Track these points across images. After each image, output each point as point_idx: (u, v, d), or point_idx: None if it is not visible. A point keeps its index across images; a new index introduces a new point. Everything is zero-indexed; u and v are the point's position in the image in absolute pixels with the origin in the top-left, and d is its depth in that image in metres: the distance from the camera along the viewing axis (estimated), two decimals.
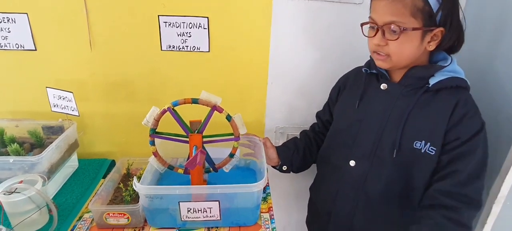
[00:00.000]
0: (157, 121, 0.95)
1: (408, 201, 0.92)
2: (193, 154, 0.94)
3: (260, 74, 1.22)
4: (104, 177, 1.18)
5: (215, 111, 0.94)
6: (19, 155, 0.98)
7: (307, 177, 1.36)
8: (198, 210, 0.93)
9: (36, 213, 0.88)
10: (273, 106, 1.28)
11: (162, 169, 1.03)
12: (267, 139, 1.14)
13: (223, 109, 0.94)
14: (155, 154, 1.01)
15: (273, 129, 1.33)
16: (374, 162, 0.93)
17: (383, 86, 0.93)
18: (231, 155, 1.03)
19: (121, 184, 1.02)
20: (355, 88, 1.01)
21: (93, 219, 0.97)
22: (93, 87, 1.20)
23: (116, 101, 1.23)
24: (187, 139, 0.99)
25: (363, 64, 1.04)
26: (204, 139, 0.98)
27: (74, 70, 1.17)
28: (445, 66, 0.85)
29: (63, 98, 1.08)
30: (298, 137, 1.19)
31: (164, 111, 0.93)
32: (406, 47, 0.82)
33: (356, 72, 1.06)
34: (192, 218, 0.95)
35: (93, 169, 1.20)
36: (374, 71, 0.96)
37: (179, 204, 0.92)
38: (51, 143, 1.12)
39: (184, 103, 0.92)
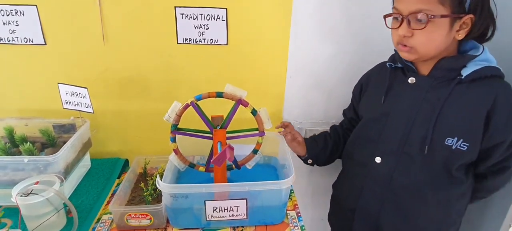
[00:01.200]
0: (179, 116, 0.91)
1: (437, 196, 0.89)
2: (218, 151, 0.90)
3: (279, 67, 1.18)
4: (118, 177, 1.13)
5: (240, 105, 0.90)
6: (33, 155, 0.93)
7: (324, 173, 1.33)
8: (225, 209, 0.89)
9: (54, 216, 0.83)
10: (291, 101, 1.25)
11: (183, 167, 0.99)
12: (297, 133, 1.12)
13: (248, 103, 0.90)
14: (176, 151, 0.96)
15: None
16: (402, 158, 0.90)
17: (411, 80, 0.88)
18: (255, 151, 0.99)
19: (142, 184, 0.97)
20: (380, 83, 0.96)
21: (112, 221, 0.93)
22: (106, 83, 1.15)
23: (130, 98, 1.18)
24: (210, 135, 0.95)
25: (381, 58, 1.01)
26: (228, 135, 0.94)
27: (86, 65, 1.12)
28: (477, 55, 0.81)
29: (77, 95, 1.02)
30: (328, 131, 1.16)
31: (187, 106, 0.89)
32: (434, 36, 0.78)
33: (380, 67, 1.02)
34: (218, 217, 0.91)
35: (106, 168, 1.14)
36: (399, 65, 0.93)
37: (204, 203, 0.88)
38: (63, 142, 1.07)
39: (208, 97, 0.88)
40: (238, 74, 1.17)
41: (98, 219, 0.93)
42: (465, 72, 0.81)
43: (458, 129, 0.82)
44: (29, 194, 0.81)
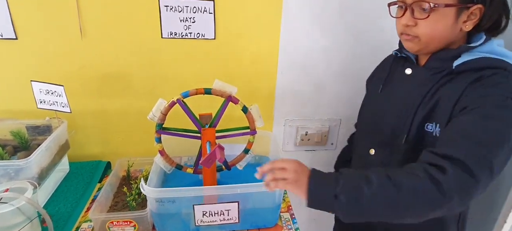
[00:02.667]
0: (164, 115, 0.85)
1: None
2: (207, 151, 0.84)
3: (269, 63, 1.14)
4: (99, 181, 1.06)
5: (230, 102, 0.85)
6: (2, 159, 0.84)
7: None
8: (215, 213, 0.84)
9: (27, 226, 0.76)
10: (283, 97, 1.20)
11: (169, 169, 0.93)
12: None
13: (238, 100, 0.85)
14: (162, 152, 0.90)
15: (282, 122, 1.25)
16: (394, 150, 0.86)
17: (408, 70, 0.85)
18: (246, 151, 0.94)
19: (125, 188, 0.91)
20: (382, 73, 0.94)
21: (92, 229, 0.86)
22: (84, 80, 1.07)
23: (111, 96, 1.10)
24: (198, 135, 0.90)
25: (376, 52, 0.98)
26: (217, 134, 0.89)
27: (62, 61, 1.03)
28: (475, 46, 0.77)
29: (52, 93, 0.95)
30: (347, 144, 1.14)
31: (172, 104, 0.83)
32: (438, 27, 0.74)
33: (389, 56, 0.98)
34: (208, 222, 0.85)
35: (86, 172, 1.07)
36: (404, 55, 0.89)
37: (193, 208, 0.82)
38: (38, 144, 0.99)
39: (196, 94, 0.82)
40: (227, 70, 1.12)
41: (77, 228, 0.86)
42: (456, 62, 0.76)
43: (436, 113, 0.77)
44: None
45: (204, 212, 0.83)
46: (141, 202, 0.90)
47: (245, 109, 0.86)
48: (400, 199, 0.62)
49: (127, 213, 0.82)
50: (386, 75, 0.91)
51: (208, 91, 0.82)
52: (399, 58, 0.90)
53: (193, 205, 0.82)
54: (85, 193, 0.98)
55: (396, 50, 0.91)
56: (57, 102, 0.96)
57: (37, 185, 0.82)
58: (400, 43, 0.89)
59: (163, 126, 0.87)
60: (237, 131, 0.91)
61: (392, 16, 0.82)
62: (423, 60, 0.84)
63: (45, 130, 1.02)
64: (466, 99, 0.70)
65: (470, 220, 0.93)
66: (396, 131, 0.83)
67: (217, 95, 0.83)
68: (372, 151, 0.90)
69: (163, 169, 0.94)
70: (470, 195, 0.63)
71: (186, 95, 0.82)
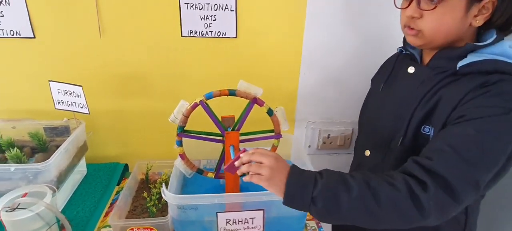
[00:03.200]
0: (186, 117, 0.81)
1: None
2: (231, 156, 0.80)
3: (292, 63, 1.09)
4: (117, 184, 1.03)
5: (255, 105, 0.81)
6: (21, 162, 0.82)
7: None
8: (239, 221, 0.80)
9: None
10: (305, 99, 1.15)
11: (189, 174, 0.89)
12: None
13: (264, 102, 0.81)
14: (183, 156, 0.86)
15: (303, 124, 1.20)
16: (387, 153, 0.80)
17: (411, 69, 0.79)
18: None
19: (145, 193, 0.87)
20: (385, 71, 0.89)
21: None
22: (102, 80, 1.04)
23: (129, 97, 1.07)
24: (220, 138, 0.86)
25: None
26: (241, 137, 0.85)
27: (80, 61, 1.01)
28: (483, 45, 0.69)
29: (70, 94, 0.92)
30: None
31: (195, 106, 0.79)
32: (445, 20, 0.67)
33: (393, 54, 0.93)
34: (231, 230, 0.81)
35: (104, 174, 1.04)
36: (408, 52, 0.83)
37: (216, 215, 0.78)
38: (56, 146, 0.97)
39: (220, 95, 0.78)
40: (248, 70, 1.07)
41: None
42: (461, 63, 0.69)
43: (433, 116, 0.71)
44: (16, 208, 0.71)
45: (228, 220, 0.79)
46: (161, 207, 0.87)
47: (270, 112, 0.82)
48: (377, 211, 0.60)
49: (148, 220, 0.78)
50: (389, 73, 0.86)
51: (232, 93, 0.78)
52: (405, 56, 0.84)
53: (217, 213, 0.78)
54: (103, 197, 0.95)
55: (400, 47, 0.85)
56: (75, 103, 0.93)
57: (56, 189, 0.80)
58: (404, 40, 0.83)
59: (185, 128, 0.83)
60: (262, 135, 0.87)
61: (396, 7, 0.76)
62: (427, 59, 0.78)
63: (63, 131, 1.00)
64: (465, 107, 0.65)
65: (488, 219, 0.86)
66: (392, 132, 0.78)
67: (241, 97, 0.79)
68: (367, 152, 0.86)
69: (183, 173, 0.90)
70: (448, 215, 0.61)
71: (209, 96, 0.78)
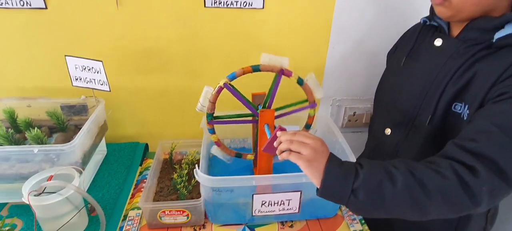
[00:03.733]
0: (213, 103, 0.75)
1: None
2: (267, 135, 0.76)
3: (321, 36, 1.03)
4: (139, 164, 0.99)
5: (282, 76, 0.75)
6: (42, 143, 0.77)
7: None
8: (275, 203, 0.77)
9: (76, 216, 0.69)
10: (332, 74, 1.10)
11: (228, 159, 0.85)
12: None
13: (291, 72, 0.74)
14: (218, 143, 0.82)
15: (329, 101, 1.15)
16: (411, 131, 0.76)
17: (437, 41, 0.73)
18: (308, 126, 0.85)
19: (175, 174, 0.83)
20: (406, 43, 0.83)
21: (141, 217, 0.79)
22: (120, 55, 0.97)
23: (148, 73, 1.01)
24: (251, 118, 0.81)
25: None
26: (276, 112, 0.80)
27: (96, 34, 0.94)
28: None
29: (89, 70, 0.86)
30: None
31: (220, 90, 0.74)
32: None
33: (415, 26, 0.87)
34: (266, 212, 0.78)
35: (125, 155, 1.00)
36: (434, 23, 0.77)
37: (252, 197, 0.74)
38: (74, 125, 0.92)
39: (243, 73, 0.72)
40: (274, 43, 1.01)
41: (124, 216, 0.80)
42: (499, 34, 0.64)
43: (467, 93, 0.66)
44: (42, 192, 0.67)
45: (264, 202, 0.76)
46: (192, 189, 0.83)
47: (300, 81, 0.76)
48: (425, 202, 0.55)
49: (181, 202, 0.75)
50: (411, 46, 0.80)
51: (256, 69, 0.72)
52: (429, 27, 0.78)
53: (253, 195, 0.74)
54: (128, 178, 0.91)
55: (425, 17, 0.79)
56: (94, 80, 0.87)
57: (82, 171, 0.75)
58: (431, 9, 0.76)
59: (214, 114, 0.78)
60: (296, 107, 0.81)
61: None
62: (456, 30, 0.72)
63: (81, 110, 0.95)
64: (506, 83, 0.60)
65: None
66: (418, 109, 0.74)
67: (267, 71, 0.73)
68: (388, 131, 0.82)
69: (207, 153, 0.86)
70: (499, 199, 0.56)
71: (232, 77, 0.73)
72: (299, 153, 0.60)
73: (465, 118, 0.66)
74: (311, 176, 0.59)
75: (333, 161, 0.58)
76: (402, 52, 0.83)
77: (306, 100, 0.81)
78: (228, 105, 0.80)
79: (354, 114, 1.17)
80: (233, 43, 0.99)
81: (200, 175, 0.72)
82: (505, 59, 0.62)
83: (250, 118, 0.82)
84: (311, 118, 0.83)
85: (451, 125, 0.69)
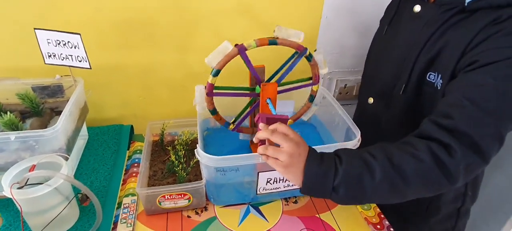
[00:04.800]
0: (225, 63, 0.68)
1: None
2: (271, 110, 0.72)
3: (314, 4, 0.99)
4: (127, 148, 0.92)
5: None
6: (17, 129, 0.68)
7: None
8: (280, 180, 0.74)
9: (66, 208, 0.62)
10: (324, 46, 1.07)
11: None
12: None
13: (306, 49, 0.71)
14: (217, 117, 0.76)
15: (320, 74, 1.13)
16: (390, 101, 0.77)
17: (417, 7, 0.72)
18: (312, 99, 0.82)
19: (173, 156, 0.78)
20: (390, 11, 0.82)
21: (137, 204, 0.74)
22: (98, 28, 0.87)
23: (130, 48, 0.92)
24: (249, 92, 0.77)
25: None
26: (279, 88, 0.76)
27: (70, 4, 0.83)
28: None
29: (65, 44, 0.76)
30: None
31: (235, 54, 0.66)
32: None
33: None
34: (270, 189, 0.75)
35: (110, 138, 0.92)
36: None
37: (258, 175, 0.71)
38: (50, 109, 0.83)
39: (260, 45, 0.67)
40: (264, 12, 0.95)
41: (119, 204, 0.74)
42: None
43: (440, 62, 0.66)
44: (25, 184, 0.59)
45: (269, 179, 0.73)
46: (190, 170, 0.78)
47: (309, 57, 0.73)
48: (404, 188, 0.56)
49: (181, 186, 0.70)
50: (393, 14, 0.79)
51: (273, 43, 0.67)
52: None
53: (258, 173, 0.71)
54: (117, 163, 0.84)
55: None
56: (71, 56, 0.77)
57: (68, 157, 0.68)
58: None
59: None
60: (299, 83, 0.78)
61: None
62: None
63: (56, 91, 0.85)
64: (476, 50, 0.59)
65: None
66: (395, 79, 0.74)
67: (284, 45, 0.69)
68: (371, 100, 0.83)
69: (202, 132, 0.81)
70: (475, 173, 0.58)
71: (250, 46, 0.67)
72: (276, 158, 0.57)
73: (439, 88, 0.65)
74: (291, 179, 0.58)
75: (311, 160, 0.57)
76: (385, 20, 0.82)
77: (310, 78, 0.78)
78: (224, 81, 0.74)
79: (345, 87, 1.16)
80: (224, 13, 0.92)
81: (202, 155, 0.67)
82: (475, 24, 0.60)
83: (248, 92, 0.78)
84: (314, 91, 0.80)
85: (426, 94, 0.69)
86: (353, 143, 0.73)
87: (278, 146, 0.58)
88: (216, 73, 0.69)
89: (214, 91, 0.73)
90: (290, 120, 0.85)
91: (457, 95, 0.58)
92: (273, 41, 0.67)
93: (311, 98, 0.81)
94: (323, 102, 0.94)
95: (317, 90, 0.80)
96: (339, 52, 1.10)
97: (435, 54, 0.65)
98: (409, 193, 0.57)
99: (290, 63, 0.72)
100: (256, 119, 0.66)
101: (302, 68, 0.79)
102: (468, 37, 0.60)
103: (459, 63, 0.60)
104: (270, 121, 0.65)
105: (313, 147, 0.61)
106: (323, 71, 0.77)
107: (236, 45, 0.66)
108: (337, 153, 0.59)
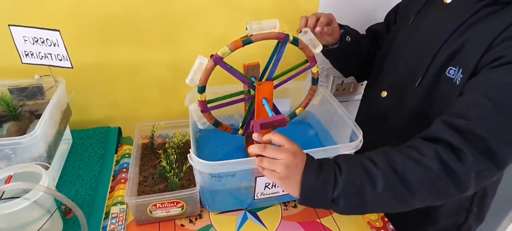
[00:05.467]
0: (205, 79, 0.63)
1: None
2: (268, 112, 0.68)
3: None
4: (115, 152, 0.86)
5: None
6: None
7: None
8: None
9: (48, 222, 0.57)
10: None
11: (203, 124, 0.74)
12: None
13: (287, 35, 0.65)
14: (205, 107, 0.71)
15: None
16: (403, 94, 0.73)
17: None
18: (315, 81, 0.76)
19: (164, 161, 0.73)
20: (417, 2, 0.77)
21: (126, 213, 0.69)
22: (79, 24, 0.81)
23: (115, 45, 0.86)
24: (243, 95, 0.72)
25: None
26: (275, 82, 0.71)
27: None
28: None
29: (43, 42, 0.70)
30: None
31: (217, 60, 0.62)
32: None
33: None
34: (269, 194, 0.71)
35: (95, 142, 0.86)
36: None
37: (255, 180, 0.67)
38: (30, 112, 0.77)
39: (234, 49, 0.61)
40: (259, 5, 0.90)
41: (107, 213, 0.68)
42: None
43: (462, 56, 0.61)
44: (0, 197, 0.53)
45: (267, 184, 0.69)
46: (183, 176, 0.74)
47: (295, 42, 0.67)
48: (409, 198, 0.52)
49: (174, 193, 0.65)
50: (423, 3, 0.73)
51: (248, 42, 0.62)
52: None
53: (256, 177, 0.67)
54: (103, 169, 0.78)
55: None
56: (51, 54, 0.71)
57: (49, 166, 0.62)
58: None
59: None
60: (296, 71, 0.73)
61: None
62: None
63: (36, 92, 0.78)
64: (504, 45, 0.55)
65: None
66: (413, 71, 0.70)
67: (260, 40, 0.63)
68: (384, 93, 0.78)
69: (194, 135, 0.76)
70: (487, 181, 0.54)
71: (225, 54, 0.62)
72: (272, 170, 0.54)
73: (457, 83, 0.61)
74: (289, 192, 0.54)
75: (309, 171, 0.53)
76: (412, 10, 0.76)
77: (306, 61, 0.73)
78: (216, 80, 0.69)
79: (342, 83, 1.12)
80: (215, 5, 0.87)
81: (196, 160, 0.62)
82: (507, 17, 0.57)
83: (243, 96, 0.73)
84: (315, 73, 0.74)
85: (443, 91, 0.64)
86: (355, 144, 0.69)
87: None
88: (202, 90, 0.64)
89: (209, 105, 0.69)
90: (299, 108, 0.80)
91: (476, 94, 0.53)
92: (247, 41, 0.61)
93: (314, 81, 0.75)
94: (324, 100, 0.90)
95: (318, 71, 0.74)
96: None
97: (458, 47, 0.61)
98: (414, 203, 0.53)
99: (276, 55, 0.67)
100: (250, 126, 0.61)
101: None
102: (497, 30, 0.56)
103: (483, 58, 0.56)
104: (265, 126, 0.61)
105: (311, 153, 0.57)
106: (317, 50, 0.71)
107: (211, 56, 0.62)
108: (337, 161, 0.55)
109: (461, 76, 0.61)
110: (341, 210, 0.53)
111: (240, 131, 0.76)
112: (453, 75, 0.62)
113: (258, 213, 0.73)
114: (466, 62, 0.60)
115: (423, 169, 0.50)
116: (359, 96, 1.18)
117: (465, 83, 0.58)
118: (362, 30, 0.99)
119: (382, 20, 0.92)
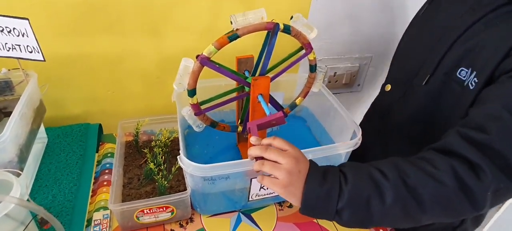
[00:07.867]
0: (194, 81, 0.59)
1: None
2: (265, 110, 0.63)
3: None
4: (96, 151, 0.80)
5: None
6: None
7: None
8: None
9: None
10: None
11: (198, 126, 0.69)
12: None
13: (277, 24, 0.60)
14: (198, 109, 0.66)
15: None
16: (408, 91, 0.70)
17: None
18: (313, 69, 0.71)
19: (151, 164, 0.67)
20: None
21: (110, 219, 0.64)
22: (51, 11, 0.73)
23: (93, 35, 0.78)
24: (236, 93, 0.68)
25: None
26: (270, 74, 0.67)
27: None
28: None
29: (9, 32, 0.62)
30: None
31: (204, 61, 0.57)
32: None
33: None
34: (264, 195, 0.68)
35: (74, 141, 0.79)
36: None
37: (251, 181, 0.63)
38: None
39: (220, 47, 0.56)
40: None
41: (88, 221, 0.63)
42: None
43: (475, 57, 0.56)
44: None
45: (262, 186, 0.65)
46: (172, 178, 0.69)
47: (287, 29, 0.62)
48: (419, 214, 0.48)
49: (163, 198, 0.60)
50: None
51: (234, 38, 0.57)
52: None
53: (251, 179, 0.63)
54: (84, 171, 0.72)
55: None
56: (19, 46, 0.64)
57: (21, 172, 0.56)
58: None
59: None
60: (291, 60, 0.69)
61: None
62: None
63: (3, 88, 0.71)
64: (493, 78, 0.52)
65: None
66: (420, 67, 0.66)
67: (247, 33, 0.58)
68: (388, 87, 0.75)
69: (182, 132, 0.71)
70: (504, 199, 0.51)
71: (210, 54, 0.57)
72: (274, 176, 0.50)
73: (471, 87, 0.55)
74: (290, 200, 0.50)
75: (312, 179, 0.49)
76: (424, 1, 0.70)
77: (301, 48, 0.69)
78: (203, 74, 0.64)
79: (334, 75, 1.09)
80: None
81: (187, 163, 0.57)
82: None
83: (235, 94, 0.68)
84: (313, 60, 0.70)
85: (452, 93, 0.59)
86: (354, 142, 0.66)
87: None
88: (192, 93, 0.59)
89: (202, 107, 0.64)
90: (299, 98, 0.76)
91: (495, 105, 0.49)
92: (233, 36, 0.56)
93: (312, 68, 0.70)
94: (314, 93, 0.86)
95: (314, 58, 0.70)
96: (328, 38, 1.02)
97: (473, 46, 0.56)
98: (424, 219, 0.49)
99: (267, 47, 0.62)
100: (247, 128, 0.57)
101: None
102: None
103: (503, 63, 0.51)
104: (262, 126, 0.57)
105: (306, 153, 0.53)
106: (312, 34, 0.66)
107: (197, 57, 0.56)
108: (342, 170, 0.50)
109: (475, 80, 0.55)
110: (344, 223, 0.50)
111: (240, 128, 0.72)
112: (464, 77, 0.57)
113: (253, 215, 0.70)
114: (481, 66, 0.54)
115: (437, 184, 0.46)
116: (350, 88, 1.16)
117: (481, 89, 0.54)
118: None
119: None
